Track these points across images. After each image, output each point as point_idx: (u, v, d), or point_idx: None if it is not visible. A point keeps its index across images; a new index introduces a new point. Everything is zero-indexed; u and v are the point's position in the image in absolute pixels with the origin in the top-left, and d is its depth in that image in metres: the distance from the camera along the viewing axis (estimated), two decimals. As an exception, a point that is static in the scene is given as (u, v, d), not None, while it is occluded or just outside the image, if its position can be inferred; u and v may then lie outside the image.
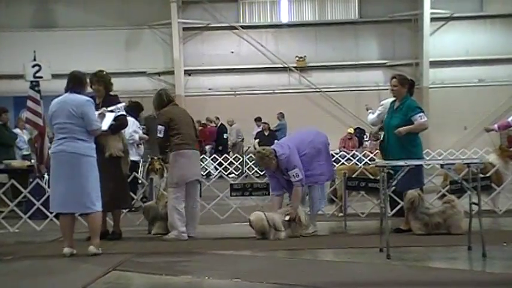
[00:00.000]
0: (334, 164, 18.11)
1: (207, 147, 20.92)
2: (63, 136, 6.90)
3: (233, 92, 25.18)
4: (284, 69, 25.21)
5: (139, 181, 10.51)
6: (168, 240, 7.92)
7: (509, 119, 10.62)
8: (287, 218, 7.93)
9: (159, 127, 8.09)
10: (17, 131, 13.51)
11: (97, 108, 7.38)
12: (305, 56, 25.12)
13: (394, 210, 8.96)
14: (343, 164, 17.81)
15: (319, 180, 8.23)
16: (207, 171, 19.38)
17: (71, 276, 6.10)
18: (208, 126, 21.85)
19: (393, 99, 8.37)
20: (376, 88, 23.14)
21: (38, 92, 10.62)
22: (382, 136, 8.64)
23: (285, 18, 25.79)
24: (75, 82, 7.13)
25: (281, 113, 21.49)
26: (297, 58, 25.11)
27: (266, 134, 20.47)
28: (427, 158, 17.58)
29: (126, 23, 25.13)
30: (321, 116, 23.76)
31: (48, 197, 9.16)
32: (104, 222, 7.91)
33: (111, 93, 8.18)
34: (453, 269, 6.06)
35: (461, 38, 24.88)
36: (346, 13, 25.67)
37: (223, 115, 22.23)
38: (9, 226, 9.07)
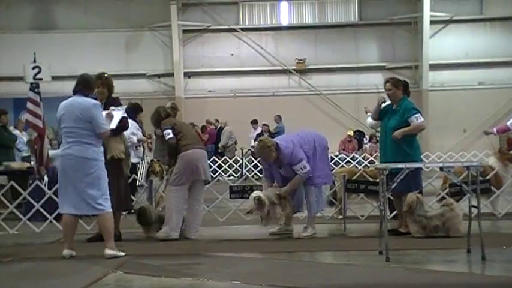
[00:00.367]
0: (334, 166, 18.25)
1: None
2: (71, 140, 6.92)
3: (233, 94, 25.19)
4: (284, 72, 25.23)
5: (139, 183, 10.51)
6: (159, 238, 7.97)
7: (508, 123, 10.64)
8: (277, 191, 8.06)
9: (166, 131, 8.18)
10: (16, 132, 13.51)
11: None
12: (305, 59, 25.13)
13: (394, 213, 8.97)
14: (342, 166, 17.84)
15: (316, 182, 8.22)
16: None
17: (70, 278, 6.09)
18: (208, 129, 21.86)
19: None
20: (376, 91, 23.12)
21: (38, 93, 10.63)
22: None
23: (284, 21, 25.81)
24: (85, 85, 7.14)
25: (278, 115, 21.47)
26: (297, 60, 25.13)
27: (266, 136, 20.46)
28: (427, 161, 17.73)
29: (126, 25, 25.15)
30: (321, 118, 23.77)
31: (48, 199, 9.23)
32: (117, 223, 7.90)
33: (112, 95, 8.22)
34: (452, 271, 6.05)
35: (461, 41, 24.91)
36: (346, 16, 25.69)
37: (222, 117, 22.24)
38: (8, 228, 9.06)
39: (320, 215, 8.87)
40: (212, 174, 18.70)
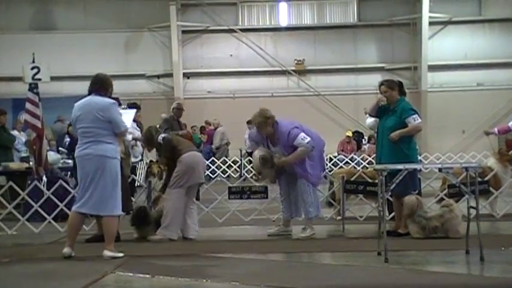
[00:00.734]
0: (333, 167, 18.26)
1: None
2: (89, 140, 6.91)
3: (232, 95, 25.19)
4: (283, 73, 25.24)
5: (138, 184, 10.51)
6: (155, 240, 7.98)
7: (510, 124, 10.64)
8: (279, 157, 8.07)
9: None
10: (15, 133, 13.51)
11: None
12: (304, 60, 25.13)
13: (393, 214, 8.97)
14: (341, 167, 17.85)
15: (308, 178, 8.12)
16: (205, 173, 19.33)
17: (69, 278, 6.09)
18: (207, 129, 21.85)
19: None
20: (375, 92, 23.08)
21: (37, 94, 10.62)
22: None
23: (284, 22, 25.81)
24: (101, 84, 7.16)
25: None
26: (296, 61, 25.12)
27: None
28: (426, 162, 17.73)
29: (126, 26, 25.14)
30: (320, 119, 23.74)
31: (47, 199, 9.23)
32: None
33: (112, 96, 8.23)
34: (451, 273, 6.06)
35: (460, 42, 24.92)
36: (345, 17, 25.69)
37: (221, 118, 22.24)
38: (7, 228, 9.05)
39: (319, 216, 8.86)
40: (211, 175, 18.90)
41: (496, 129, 10.91)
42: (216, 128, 21.67)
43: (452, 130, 24.11)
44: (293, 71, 25.18)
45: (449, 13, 24.63)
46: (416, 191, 8.40)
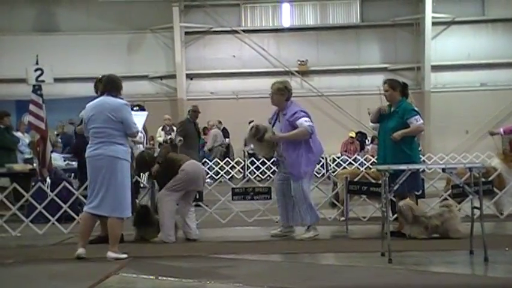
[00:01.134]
0: (336, 168, 18.23)
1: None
2: (101, 140, 6.94)
3: (235, 96, 25.19)
4: (286, 73, 25.18)
5: (142, 185, 10.52)
6: (156, 243, 8.01)
7: None
8: (272, 133, 8.29)
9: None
10: (18, 134, 13.54)
11: None
12: (307, 60, 25.12)
13: (396, 215, 8.95)
14: (344, 168, 17.84)
15: (299, 174, 8.03)
16: (208, 175, 19.35)
17: (73, 280, 6.11)
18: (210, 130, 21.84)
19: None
20: (378, 92, 23.11)
21: (41, 95, 10.63)
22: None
23: (286, 23, 25.80)
24: (113, 85, 7.18)
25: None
26: (299, 62, 25.12)
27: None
28: (429, 162, 17.71)
29: (128, 27, 25.16)
30: (323, 120, 23.68)
31: (50, 201, 9.25)
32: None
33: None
34: (455, 273, 6.05)
35: (463, 42, 24.88)
36: (347, 17, 25.68)
37: (224, 119, 22.25)
38: (11, 230, 9.07)
39: (323, 217, 8.86)
40: (214, 176, 18.90)
41: (501, 130, 10.88)
42: (224, 128, 21.66)
43: (456, 130, 24.07)
44: (296, 71, 25.17)
45: (452, 13, 24.60)
46: (420, 192, 8.41)
